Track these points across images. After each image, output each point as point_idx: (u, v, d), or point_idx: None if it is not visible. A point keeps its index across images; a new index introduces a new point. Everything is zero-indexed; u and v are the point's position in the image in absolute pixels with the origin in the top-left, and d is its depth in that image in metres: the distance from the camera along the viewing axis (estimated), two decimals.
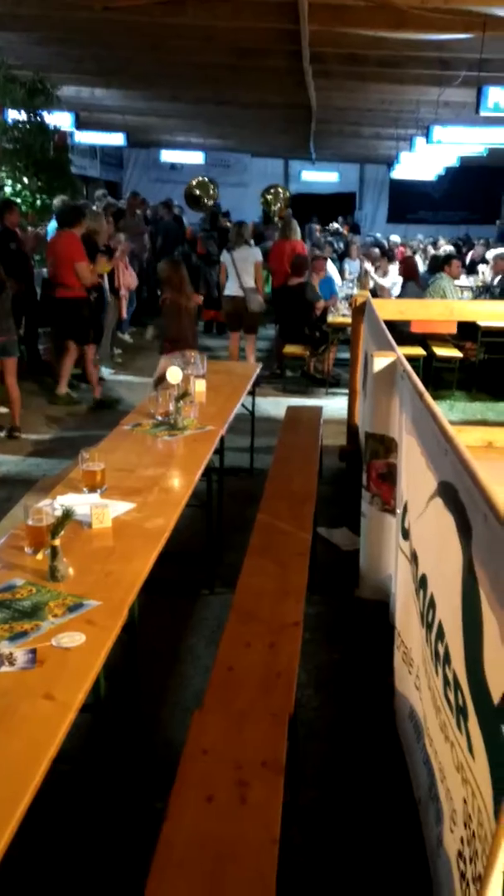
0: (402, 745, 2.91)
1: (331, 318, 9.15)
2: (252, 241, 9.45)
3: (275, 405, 7.78)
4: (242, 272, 8.94)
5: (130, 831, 2.58)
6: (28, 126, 9.87)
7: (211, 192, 18.10)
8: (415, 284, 9.72)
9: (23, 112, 9.84)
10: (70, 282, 7.69)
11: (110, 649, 2.25)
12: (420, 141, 12.83)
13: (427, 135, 11.19)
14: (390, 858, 2.61)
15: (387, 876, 2.56)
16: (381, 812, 2.80)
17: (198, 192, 18.06)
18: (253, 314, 9.09)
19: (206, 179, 18.43)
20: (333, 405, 7.85)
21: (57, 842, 2.64)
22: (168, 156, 21.44)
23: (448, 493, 2.17)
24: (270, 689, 2.62)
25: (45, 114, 10.07)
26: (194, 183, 18.27)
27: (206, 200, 17.73)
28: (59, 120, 11.58)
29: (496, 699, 1.54)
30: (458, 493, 2.03)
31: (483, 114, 8.58)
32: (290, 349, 9.10)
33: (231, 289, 9.07)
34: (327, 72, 9.95)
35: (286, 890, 2.23)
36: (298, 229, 11.18)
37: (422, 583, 2.49)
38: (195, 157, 20.93)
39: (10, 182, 9.86)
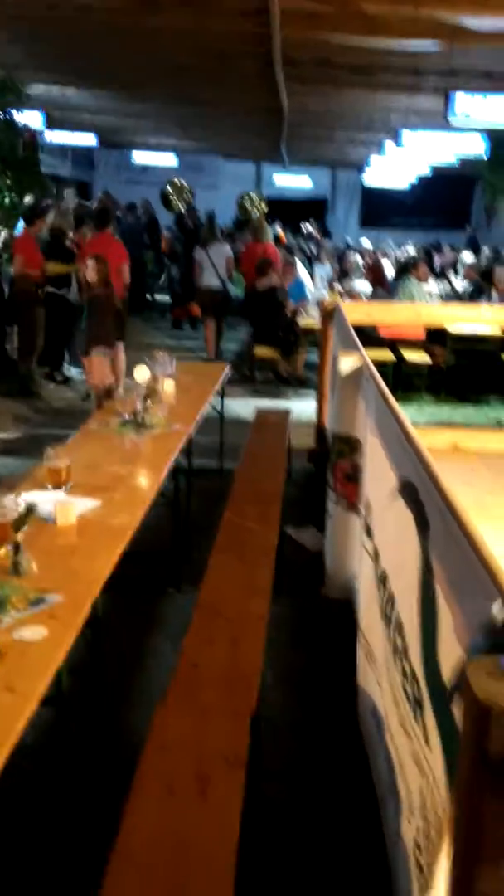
0: (364, 742, 2.94)
1: (301, 322, 9.20)
2: (222, 239, 10.57)
3: (245, 406, 7.80)
4: (218, 266, 9.94)
5: (91, 824, 2.57)
6: None
7: (184, 195, 18.21)
8: (382, 291, 9.80)
9: None
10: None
11: (75, 645, 2.26)
12: (390, 145, 12.94)
13: (397, 139, 11.29)
14: (351, 851, 2.64)
15: (347, 867, 2.59)
16: (343, 807, 2.83)
17: (171, 195, 18.15)
18: (229, 302, 10.18)
19: (181, 183, 18.44)
20: (303, 407, 7.88)
21: (18, 833, 2.64)
22: (140, 157, 21.35)
23: (408, 491, 2.20)
24: (234, 685, 2.64)
25: (14, 112, 10.00)
26: (168, 186, 18.32)
27: (177, 203, 17.67)
28: (29, 119, 11.51)
29: (449, 687, 1.57)
30: (417, 490, 2.07)
31: (451, 120, 8.68)
32: (260, 352, 9.14)
33: (208, 280, 9.97)
34: (299, 76, 9.99)
35: (247, 881, 2.25)
36: (270, 232, 11.31)
37: (382, 579, 2.53)
38: (167, 159, 20.88)
39: None
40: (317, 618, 4.05)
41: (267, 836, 2.69)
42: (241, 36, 8.18)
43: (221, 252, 10.16)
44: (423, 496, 1.98)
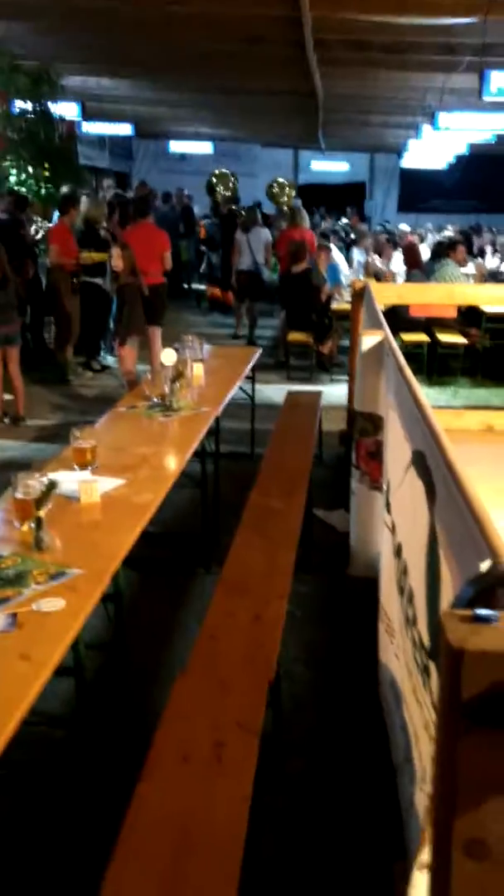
0: (383, 714, 2.96)
1: (335, 306, 9.18)
2: (262, 224, 11.16)
3: (279, 392, 7.80)
4: (256, 251, 10.53)
5: (107, 790, 2.63)
6: (33, 116, 9.92)
7: (230, 184, 19.63)
8: (419, 272, 9.71)
9: (28, 102, 9.88)
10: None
11: (97, 618, 2.32)
12: (427, 128, 12.79)
13: (433, 121, 11.16)
14: (368, 820, 2.66)
15: (364, 836, 2.62)
16: (362, 778, 2.85)
17: (216, 183, 19.66)
18: (263, 285, 10.75)
19: (227, 172, 19.92)
20: (337, 391, 7.87)
21: (35, 797, 2.72)
22: (177, 146, 21.42)
23: (419, 461, 2.21)
24: (253, 657, 2.67)
25: (50, 104, 10.11)
26: (214, 175, 19.83)
27: (222, 191, 19.06)
28: (66, 110, 11.62)
29: None
30: (426, 458, 2.07)
31: (486, 99, 8.55)
32: (294, 336, 9.13)
33: (245, 264, 10.61)
34: (332, 59, 9.93)
35: (262, 848, 2.29)
36: (307, 217, 11.36)
37: (398, 551, 2.54)
38: (204, 147, 20.93)
39: (14, 172, 9.92)
40: (341, 596, 4.06)
41: (285, 808, 2.73)
42: (272, 20, 8.15)
43: (260, 236, 10.69)
44: (430, 463, 1.98)
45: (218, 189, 19.30)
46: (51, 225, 9.60)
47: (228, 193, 18.13)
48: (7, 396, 7.21)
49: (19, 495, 2.74)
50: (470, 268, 10.89)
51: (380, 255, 11.14)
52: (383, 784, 2.69)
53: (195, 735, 2.27)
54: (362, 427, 3.72)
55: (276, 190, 20.31)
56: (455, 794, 1.04)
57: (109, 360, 9.12)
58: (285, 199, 18.97)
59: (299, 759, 2.97)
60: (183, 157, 22.13)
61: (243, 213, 12.18)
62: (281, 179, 20.87)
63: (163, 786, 2.07)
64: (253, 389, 6.15)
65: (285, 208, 16.63)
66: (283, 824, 2.67)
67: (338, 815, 2.72)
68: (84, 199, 9.15)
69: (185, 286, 14.59)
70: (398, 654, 2.67)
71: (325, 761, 2.98)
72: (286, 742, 2.98)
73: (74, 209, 8.49)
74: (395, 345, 3.26)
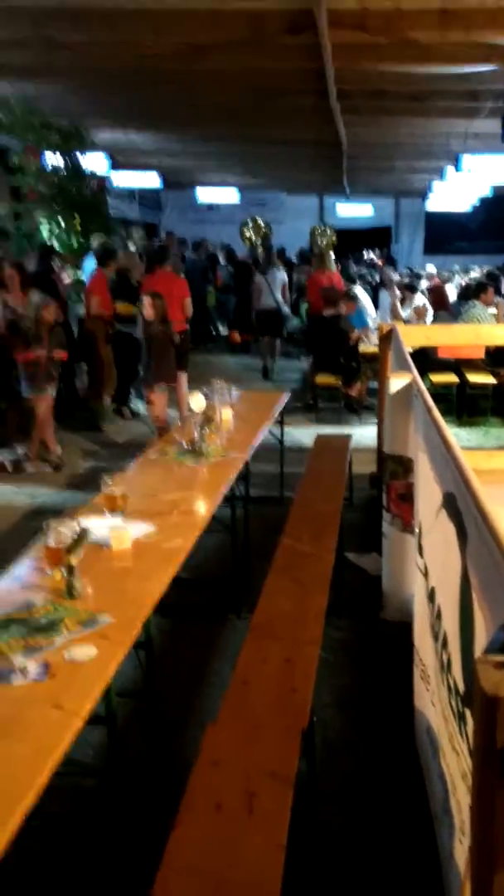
0: (420, 762, 2.90)
1: (363, 348, 9.21)
2: (280, 266, 12.17)
3: (307, 435, 7.82)
4: (275, 290, 11.42)
5: (140, 839, 2.60)
6: (64, 170, 10.19)
7: (262, 231, 21.15)
8: (446, 313, 9.73)
9: (58, 156, 10.16)
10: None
11: (129, 665, 2.31)
12: (450, 170, 12.93)
13: (457, 164, 11.27)
14: (405, 871, 2.59)
15: (402, 888, 2.55)
16: (399, 827, 2.79)
17: (249, 232, 21.26)
18: (283, 322, 11.72)
19: (259, 221, 21.44)
20: (365, 434, 7.86)
21: (69, 847, 2.69)
22: (204, 196, 21.80)
23: (450, 503, 2.20)
24: (285, 703, 2.65)
25: (80, 158, 10.38)
26: (246, 223, 21.40)
27: (254, 239, 20.63)
28: (96, 163, 11.91)
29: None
30: (456, 500, 2.06)
31: None
32: (322, 379, 9.17)
33: (265, 303, 11.46)
34: (355, 108, 10.10)
35: None
36: (334, 261, 11.58)
37: (431, 596, 2.51)
38: (231, 196, 21.27)
39: (46, 224, 10.16)
40: (374, 641, 4.01)
41: (321, 858, 2.67)
42: (294, 72, 8.32)
43: (277, 278, 11.60)
44: (460, 505, 1.97)
45: (249, 236, 20.57)
46: (80, 275, 9.84)
47: (261, 240, 19.30)
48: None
49: (51, 543, 2.77)
50: (492, 308, 10.90)
51: (402, 301, 11.21)
52: (421, 834, 2.63)
53: (228, 784, 2.24)
54: (392, 469, 3.71)
55: (317, 235, 21.48)
56: (494, 847, 1.02)
57: (139, 406, 9.20)
58: (325, 243, 19.56)
59: (334, 807, 2.91)
60: (210, 207, 22.54)
61: (259, 257, 13.13)
62: (324, 227, 22.03)
63: (196, 834, 2.04)
64: (282, 432, 6.17)
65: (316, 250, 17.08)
66: (319, 874, 2.61)
67: (375, 866, 2.66)
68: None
69: (213, 332, 14.89)
70: (434, 701, 2.62)
71: (360, 810, 2.91)
72: (320, 789, 2.93)
73: (113, 261, 8.70)
74: (423, 387, 3.26)
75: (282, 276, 11.80)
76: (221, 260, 16.12)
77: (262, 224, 21.37)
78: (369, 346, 9.22)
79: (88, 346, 8.62)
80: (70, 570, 2.64)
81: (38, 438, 7.08)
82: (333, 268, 11.44)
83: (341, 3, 5.74)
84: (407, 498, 3.65)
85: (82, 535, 2.68)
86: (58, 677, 2.17)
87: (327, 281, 10.61)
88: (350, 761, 3.20)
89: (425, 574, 2.74)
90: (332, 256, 11.83)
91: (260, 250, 14.73)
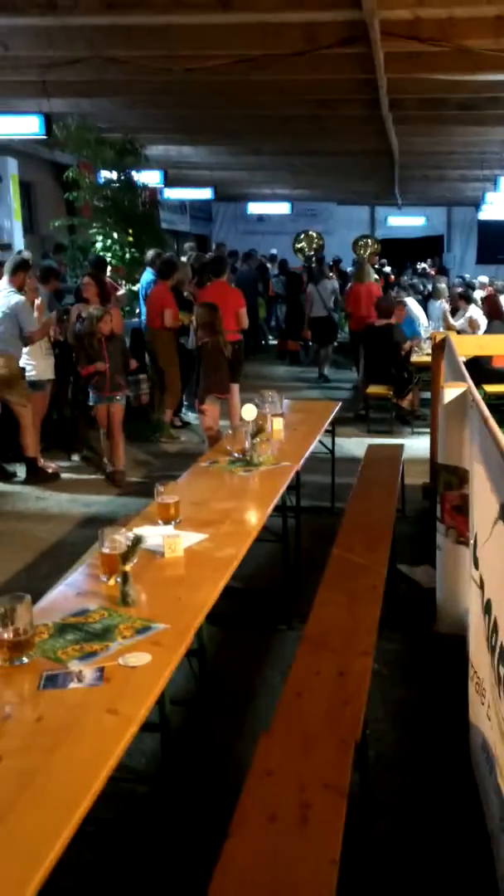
0: (475, 778, 2.85)
1: (414, 358, 9.15)
2: (332, 276, 13.18)
3: (359, 446, 7.78)
4: (326, 299, 12.21)
5: (192, 848, 2.60)
6: (118, 185, 10.35)
7: (315, 243, 21.84)
8: (500, 323, 9.61)
9: (113, 171, 10.32)
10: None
11: (180, 673, 2.32)
12: None
13: None
14: (460, 891, 2.55)
15: None
16: (454, 845, 2.74)
17: (302, 244, 22.08)
18: (335, 328, 12.73)
19: (313, 233, 22.18)
20: (418, 445, 7.79)
21: (121, 853, 2.70)
22: (255, 207, 21.94)
23: None
24: (338, 715, 2.63)
25: (133, 172, 10.53)
26: (300, 236, 22.16)
27: (307, 251, 21.38)
28: (149, 178, 12.09)
29: None
30: None
31: None
32: (374, 389, 9.12)
33: (317, 311, 12.24)
34: (408, 118, 10.07)
35: None
36: (373, 273, 11.96)
37: (487, 608, 2.47)
38: (281, 208, 21.36)
39: (100, 238, 10.32)
40: (428, 654, 3.96)
41: (373, 874, 2.63)
42: (346, 83, 8.34)
43: (328, 287, 12.41)
44: None
45: (302, 247, 21.32)
46: (134, 288, 9.97)
47: (313, 253, 19.80)
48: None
49: (106, 550, 2.80)
50: None
51: (455, 310, 11.12)
52: (477, 852, 2.58)
53: (282, 794, 2.23)
54: (447, 480, 3.67)
55: (360, 247, 21.84)
56: None
57: (190, 416, 9.27)
58: (369, 253, 19.62)
59: (387, 822, 2.88)
60: (261, 219, 22.67)
61: (312, 267, 13.78)
62: (368, 239, 22.36)
63: (250, 845, 2.04)
64: (333, 443, 6.15)
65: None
66: (372, 891, 2.57)
67: (429, 884, 2.61)
68: None
69: (263, 342, 15.01)
70: (490, 715, 2.58)
71: (414, 826, 2.87)
72: (373, 804, 2.90)
73: (176, 274, 8.80)
74: (478, 396, 3.22)
75: (332, 284, 12.53)
76: (273, 270, 16.24)
77: (315, 235, 21.95)
78: (421, 355, 9.15)
79: (155, 359, 8.72)
80: (125, 577, 2.66)
81: (105, 447, 7.15)
82: (372, 279, 11.50)
83: (394, 13, 5.72)
84: (462, 509, 3.60)
85: (136, 542, 2.70)
86: (113, 683, 2.19)
87: (366, 292, 10.77)
88: (404, 776, 3.16)
89: (481, 586, 2.70)
90: (369, 269, 11.91)
91: (313, 262, 15.08)
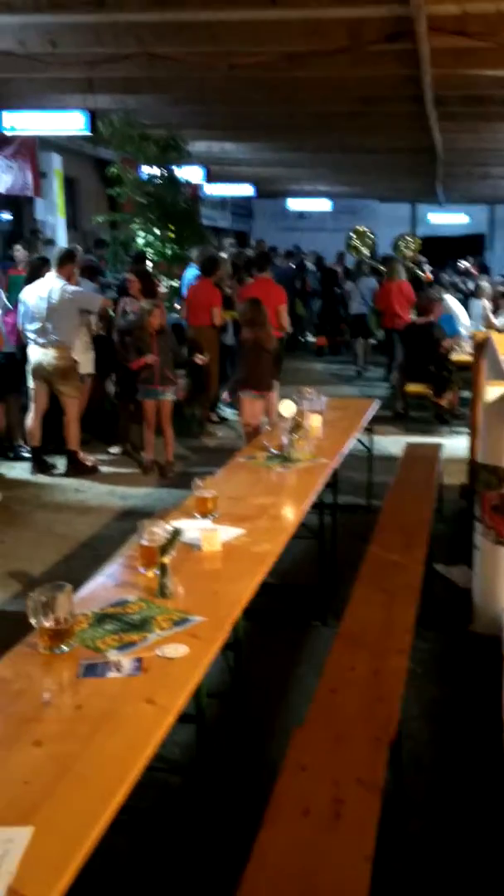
0: None
1: (454, 357, 9.08)
2: (371, 273, 13.35)
3: (396, 444, 7.75)
4: (365, 297, 12.49)
5: (225, 839, 2.62)
6: (160, 181, 10.39)
7: (367, 240, 22.03)
8: None
9: (156, 168, 10.37)
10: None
11: (215, 666, 2.33)
12: None
13: None
14: (494, 890, 2.54)
15: None
16: (488, 844, 2.73)
17: (355, 241, 22.10)
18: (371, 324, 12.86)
19: (365, 230, 22.28)
20: (457, 444, 7.73)
21: (155, 843, 2.73)
22: (295, 204, 21.90)
23: None
24: (372, 713, 2.63)
25: (175, 169, 10.57)
26: (354, 232, 22.24)
27: (360, 248, 21.50)
28: (191, 174, 12.12)
29: None
30: None
31: None
32: (412, 388, 9.07)
33: (356, 308, 12.80)
34: (452, 114, 9.97)
35: None
36: (403, 271, 11.87)
37: None
38: (322, 205, 21.31)
39: (142, 233, 10.38)
40: (464, 653, 3.94)
41: (407, 871, 2.63)
42: (390, 79, 8.28)
43: (367, 284, 12.71)
44: None
45: (356, 244, 21.48)
46: (175, 284, 10.02)
47: (367, 250, 20.25)
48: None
49: (145, 542, 2.83)
50: None
51: (497, 309, 11.00)
52: None
53: (315, 789, 2.24)
54: (486, 480, 3.65)
55: (401, 245, 21.74)
56: None
57: (228, 412, 9.30)
58: (411, 254, 19.56)
59: (421, 821, 2.87)
60: (301, 215, 22.62)
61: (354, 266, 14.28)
62: (407, 237, 22.27)
63: (284, 839, 2.05)
64: (371, 441, 6.13)
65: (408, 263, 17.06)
66: (405, 888, 2.57)
67: (463, 883, 2.61)
68: None
69: (301, 339, 15.01)
70: None
71: (448, 825, 2.87)
72: (406, 802, 2.90)
73: (220, 271, 8.83)
74: None
75: (371, 282, 12.74)
76: (310, 266, 16.23)
77: (367, 231, 22.15)
78: (461, 354, 9.08)
79: (194, 355, 8.77)
80: (163, 569, 2.69)
81: (146, 442, 7.20)
82: (403, 277, 11.45)
83: (441, 9, 5.68)
84: (501, 509, 3.57)
85: (175, 535, 2.72)
86: (150, 673, 2.21)
87: (397, 290, 10.78)
88: (437, 774, 3.15)
89: None
90: (400, 267, 11.85)
91: (369, 260, 15.27)
